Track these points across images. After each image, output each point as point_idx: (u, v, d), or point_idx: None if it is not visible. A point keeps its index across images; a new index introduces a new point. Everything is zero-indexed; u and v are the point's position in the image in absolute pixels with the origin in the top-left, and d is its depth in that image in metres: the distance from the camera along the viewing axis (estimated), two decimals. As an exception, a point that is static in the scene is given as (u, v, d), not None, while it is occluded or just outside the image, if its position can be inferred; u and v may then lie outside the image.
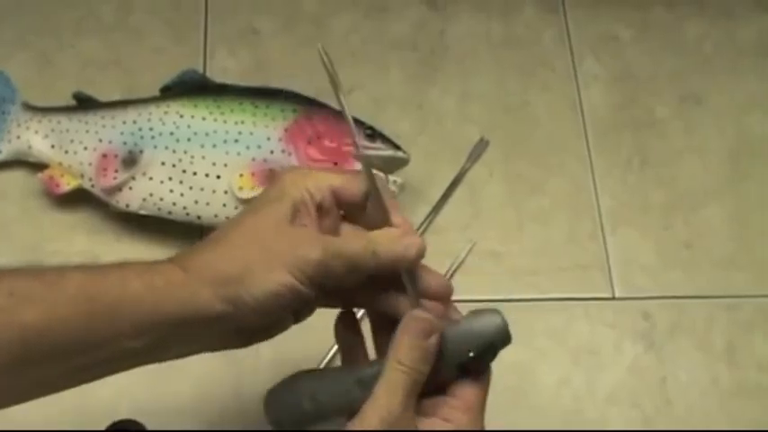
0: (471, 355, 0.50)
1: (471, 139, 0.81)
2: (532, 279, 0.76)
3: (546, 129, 0.83)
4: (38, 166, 0.74)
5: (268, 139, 0.73)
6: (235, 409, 0.68)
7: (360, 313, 0.68)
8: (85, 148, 0.73)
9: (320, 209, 0.52)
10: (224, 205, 0.70)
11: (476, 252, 0.76)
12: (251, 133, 0.73)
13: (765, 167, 0.84)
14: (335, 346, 0.70)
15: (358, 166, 0.72)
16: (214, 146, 0.72)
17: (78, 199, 0.74)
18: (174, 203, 0.71)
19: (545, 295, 0.76)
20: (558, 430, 0.70)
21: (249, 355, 0.70)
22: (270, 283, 0.49)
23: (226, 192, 0.70)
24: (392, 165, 0.73)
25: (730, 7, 0.91)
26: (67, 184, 0.73)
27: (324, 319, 0.71)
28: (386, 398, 0.48)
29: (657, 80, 0.87)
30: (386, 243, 0.51)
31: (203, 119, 0.73)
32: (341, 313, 0.55)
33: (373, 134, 0.74)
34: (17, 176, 0.75)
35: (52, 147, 0.74)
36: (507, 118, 0.83)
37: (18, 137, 0.75)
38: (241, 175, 0.71)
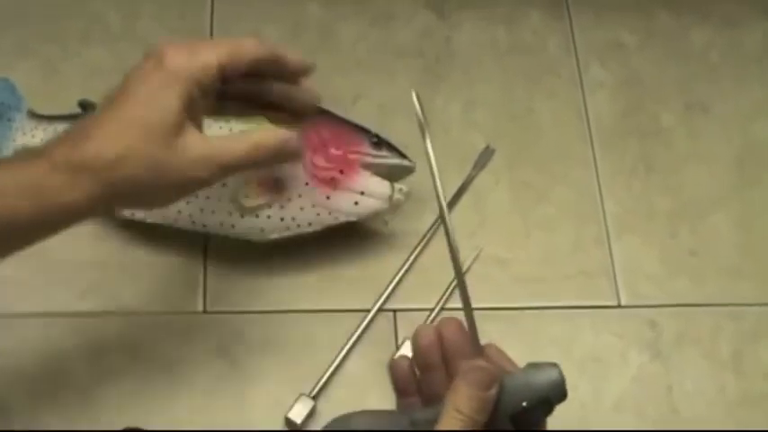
0: (524, 405, 0.50)
1: (477, 146, 0.81)
2: (538, 286, 0.76)
3: (551, 136, 0.83)
4: (44, 175, 0.74)
5: (273, 147, 0.72)
6: (239, 422, 0.68)
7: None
8: (91, 157, 0.73)
9: (205, 91, 0.54)
10: (229, 214, 0.70)
11: (481, 259, 0.76)
12: (256, 141, 0.72)
13: (771, 175, 0.84)
14: (333, 365, 0.70)
15: (364, 174, 0.72)
16: (219, 154, 0.72)
17: (84, 207, 0.74)
18: (180, 212, 0.70)
19: (551, 303, 0.75)
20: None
21: (254, 369, 0.70)
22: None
23: (231, 200, 0.70)
24: (398, 173, 0.73)
25: (735, 15, 0.91)
26: (73, 193, 0.72)
27: (327, 333, 0.71)
28: None
29: (663, 87, 0.87)
30: (269, 149, 0.58)
31: (208, 127, 0.73)
32: (396, 358, 0.56)
33: (379, 142, 0.74)
34: (23, 185, 0.75)
35: (58, 155, 0.74)
36: (513, 125, 0.83)
37: (23, 145, 0.74)
38: (246, 184, 0.70)
